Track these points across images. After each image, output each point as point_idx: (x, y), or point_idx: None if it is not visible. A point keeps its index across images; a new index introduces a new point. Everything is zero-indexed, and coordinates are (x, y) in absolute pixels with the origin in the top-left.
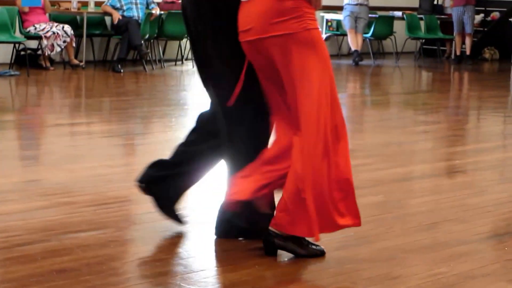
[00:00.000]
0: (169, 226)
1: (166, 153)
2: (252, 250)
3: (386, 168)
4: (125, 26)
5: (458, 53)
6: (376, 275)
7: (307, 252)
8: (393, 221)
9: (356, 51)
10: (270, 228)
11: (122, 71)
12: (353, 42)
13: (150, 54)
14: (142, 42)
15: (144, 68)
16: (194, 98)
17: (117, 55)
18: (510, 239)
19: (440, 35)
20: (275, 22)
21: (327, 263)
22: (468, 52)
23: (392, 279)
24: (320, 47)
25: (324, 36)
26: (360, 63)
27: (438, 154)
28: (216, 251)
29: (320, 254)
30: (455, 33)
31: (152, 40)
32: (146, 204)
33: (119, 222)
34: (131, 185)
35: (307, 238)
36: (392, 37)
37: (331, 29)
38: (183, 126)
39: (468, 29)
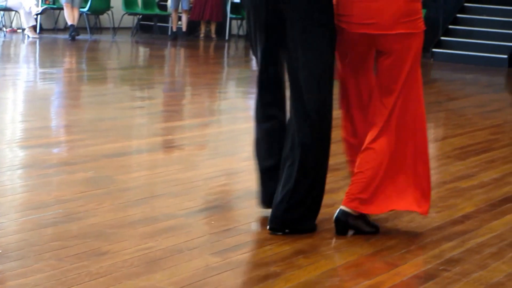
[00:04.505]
0: None
1: None
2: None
3: (99, 144)
4: None
5: (174, 29)
6: (84, 252)
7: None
8: (104, 197)
9: (72, 25)
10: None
11: None
12: (70, 16)
13: None
14: None
15: None
16: None
17: None
18: (216, 213)
19: (157, 11)
20: (405, 21)
21: (34, 241)
22: (184, 29)
23: (100, 255)
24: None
25: (40, 9)
26: (77, 38)
27: (153, 129)
28: None
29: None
30: (171, 9)
31: None
32: None
33: None
34: None
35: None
36: (109, 12)
37: (47, 2)
38: None
39: (185, 5)
